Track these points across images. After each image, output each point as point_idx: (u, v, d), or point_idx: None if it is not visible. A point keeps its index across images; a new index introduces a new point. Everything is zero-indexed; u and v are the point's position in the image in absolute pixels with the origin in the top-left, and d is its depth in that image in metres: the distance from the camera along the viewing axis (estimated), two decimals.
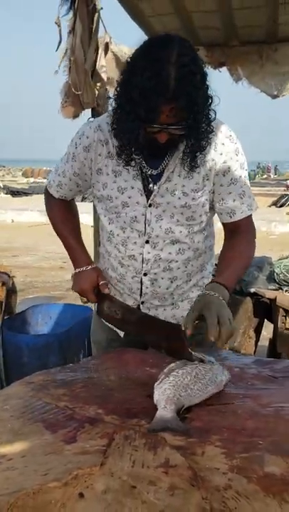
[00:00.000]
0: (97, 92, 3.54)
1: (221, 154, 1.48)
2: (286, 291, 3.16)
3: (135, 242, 1.55)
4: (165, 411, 1.10)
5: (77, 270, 1.66)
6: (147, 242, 1.54)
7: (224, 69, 3.78)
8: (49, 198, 1.74)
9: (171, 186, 1.48)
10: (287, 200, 17.13)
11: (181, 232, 1.53)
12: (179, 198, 1.49)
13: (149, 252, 1.55)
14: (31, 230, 12.41)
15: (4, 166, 47.95)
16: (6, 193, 21.37)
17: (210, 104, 1.35)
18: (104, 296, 1.64)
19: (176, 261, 1.57)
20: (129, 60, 1.36)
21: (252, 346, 3.29)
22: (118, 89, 1.38)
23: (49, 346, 3.11)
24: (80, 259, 1.67)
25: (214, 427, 1.06)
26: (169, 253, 1.55)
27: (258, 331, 3.34)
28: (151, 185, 1.49)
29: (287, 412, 1.13)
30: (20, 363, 3.09)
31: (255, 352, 3.38)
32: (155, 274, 1.57)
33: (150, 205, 1.50)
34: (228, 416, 1.12)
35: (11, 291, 3.75)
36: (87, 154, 1.53)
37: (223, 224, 1.60)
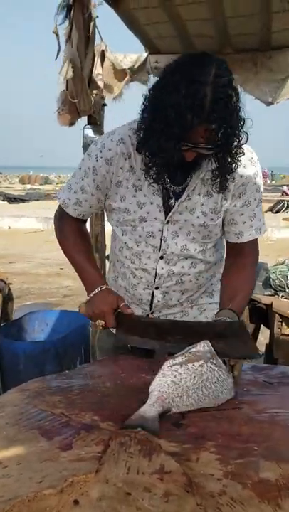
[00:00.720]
0: (93, 99, 3.56)
1: (242, 177, 1.47)
2: (282, 296, 3.17)
3: (149, 257, 1.55)
4: (150, 408, 1.12)
5: (93, 293, 1.55)
6: (161, 257, 1.54)
7: None
8: (62, 219, 1.65)
9: (190, 204, 1.49)
10: (284, 206, 17.19)
11: (195, 249, 1.55)
12: (198, 217, 1.50)
13: (162, 268, 1.55)
14: (28, 237, 12.41)
15: (1, 173, 48.02)
16: (3, 200, 21.37)
17: (242, 126, 1.34)
18: (124, 318, 1.51)
19: (189, 274, 1.58)
20: (161, 75, 1.33)
21: None
22: (147, 104, 1.35)
23: (45, 353, 3.11)
24: (94, 280, 1.57)
25: (209, 433, 1.06)
26: (182, 267, 1.56)
27: (254, 336, 3.35)
28: (171, 202, 1.48)
29: (282, 417, 1.14)
30: (16, 370, 3.09)
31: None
32: (167, 287, 1.58)
33: (168, 222, 1.50)
34: (224, 422, 1.12)
35: (8, 298, 3.76)
36: (110, 168, 1.49)
37: (228, 243, 1.62)
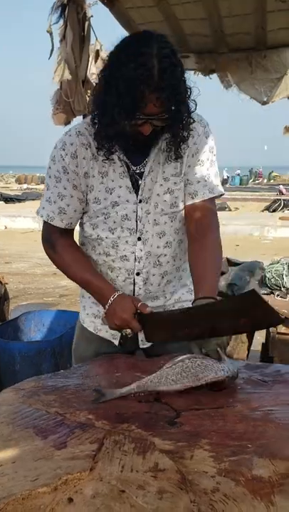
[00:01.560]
0: (88, 99, 3.56)
1: (193, 137, 1.51)
2: (278, 295, 3.18)
3: (127, 241, 1.55)
4: (125, 388, 1.25)
5: (108, 304, 1.50)
6: (139, 239, 1.54)
7: (214, 76, 3.82)
8: (52, 239, 1.59)
9: (154, 175, 1.51)
10: (280, 205, 17.22)
11: (165, 222, 1.55)
12: (161, 185, 1.52)
13: (141, 250, 1.55)
14: (24, 237, 12.40)
15: None
16: None
17: (190, 96, 1.40)
18: (146, 318, 1.47)
19: (165, 254, 1.58)
20: (109, 56, 1.40)
21: (244, 351, 3.31)
22: (99, 85, 1.41)
23: (42, 353, 3.10)
24: (105, 291, 1.52)
25: (203, 431, 1.07)
26: (158, 247, 1.57)
27: (250, 335, 3.36)
28: (140, 182, 1.51)
29: (276, 415, 1.14)
30: (12, 370, 3.08)
31: (247, 356, 3.40)
32: (147, 272, 1.58)
33: (140, 201, 1.52)
34: (218, 420, 1.13)
35: (3, 298, 3.75)
36: (76, 161, 1.50)
37: (185, 208, 1.57)
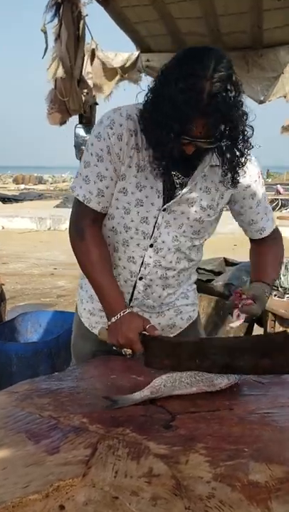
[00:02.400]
0: (83, 98, 3.54)
1: (244, 177, 1.48)
2: (275, 295, 3.16)
3: (138, 244, 1.51)
4: (138, 394, 1.21)
5: (115, 318, 1.42)
6: (151, 246, 1.51)
7: None
8: (83, 228, 1.48)
9: (190, 198, 1.47)
10: (278, 205, 17.21)
11: (185, 242, 1.54)
12: (196, 211, 1.49)
13: (150, 257, 1.52)
14: (22, 237, 12.35)
15: None
16: None
17: (246, 120, 1.33)
18: (151, 341, 1.37)
19: (174, 269, 1.56)
20: (163, 68, 1.32)
21: None
22: (149, 96, 1.35)
23: (38, 354, 3.08)
24: (117, 303, 1.44)
25: (199, 435, 1.05)
26: (170, 261, 1.54)
27: (248, 334, 3.34)
28: (176, 191, 1.46)
29: (272, 418, 1.13)
30: (9, 372, 3.06)
31: None
32: (151, 280, 1.55)
33: (164, 210, 1.47)
34: (214, 423, 1.11)
35: (0, 299, 3.73)
36: (121, 144, 1.40)
37: (253, 240, 1.69)
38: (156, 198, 1.46)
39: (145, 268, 1.53)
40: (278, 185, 24.89)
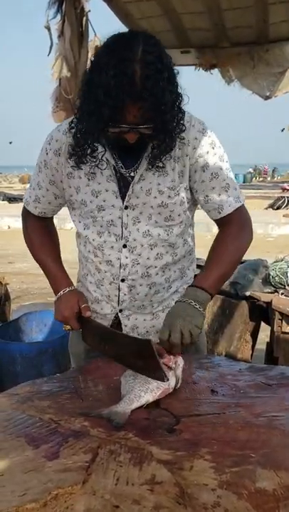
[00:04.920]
0: None
1: (195, 149, 1.43)
2: (282, 294, 3.12)
3: (112, 247, 1.49)
4: (123, 404, 1.16)
5: (57, 296, 1.55)
6: (125, 246, 1.48)
7: (216, 71, 3.76)
8: (26, 218, 1.65)
9: (145, 185, 1.44)
10: (284, 202, 17.12)
11: (159, 234, 1.48)
12: (155, 197, 1.44)
13: (126, 257, 1.49)
14: None
15: (1, 173, 47.99)
16: (3, 200, 21.33)
17: (179, 103, 1.30)
18: (86, 321, 1.50)
19: (155, 266, 1.51)
20: (93, 58, 1.30)
21: (248, 351, 3.25)
22: (81, 87, 1.32)
23: (43, 354, 3.06)
24: (60, 283, 1.56)
25: (204, 439, 1.01)
26: (148, 258, 1.50)
27: (254, 335, 3.30)
28: (128, 187, 1.44)
29: (280, 421, 1.09)
30: (13, 372, 3.04)
31: (252, 356, 3.34)
32: (133, 280, 1.51)
33: (126, 208, 1.45)
34: (219, 427, 1.07)
35: (4, 299, 3.71)
36: (59, 159, 1.46)
37: (215, 221, 1.54)
38: (114, 199, 1.45)
39: (124, 269, 1.51)
40: (284, 184, 24.78)
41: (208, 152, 1.44)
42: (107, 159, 1.41)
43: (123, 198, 1.44)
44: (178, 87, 1.29)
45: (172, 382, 1.24)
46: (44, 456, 0.95)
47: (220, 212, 1.49)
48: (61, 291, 1.54)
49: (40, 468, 0.90)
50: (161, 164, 1.39)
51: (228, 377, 1.34)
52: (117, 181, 1.44)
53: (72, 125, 1.37)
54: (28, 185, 1.66)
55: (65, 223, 12.80)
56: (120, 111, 1.22)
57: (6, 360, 3.09)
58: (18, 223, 13.13)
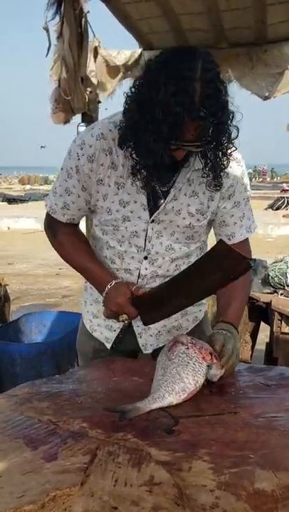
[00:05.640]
0: (87, 96, 3.51)
1: (229, 177, 1.43)
2: (281, 294, 3.12)
3: (133, 257, 1.49)
4: (148, 402, 1.16)
5: (104, 292, 1.47)
6: (146, 258, 1.48)
7: None
8: (54, 226, 1.55)
9: (176, 205, 1.43)
10: (284, 203, 17.13)
11: (180, 249, 1.49)
12: (184, 218, 1.44)
13: (146, 268, 1.49)
14: (27, 237, 12.37)
15: (1, 174, 48.03)
16: (3, 201, 21.35)
17: (232, 120, 1.27)
18: (141, 301, 1.43)
19: (172, 276, 1.51)
20: (146, 72, 1.25)
21: (248, 351, 3.25)
22: (130, 103, 1.28)
23: (42, 355, 3.06)
24: (104, 279, 1.49)
25: (203, 440, 1.01)
26: (167, 270, 1.51)
27: (253, 335, 3.30)
28: (160, 201, 1.42)
29: (279, 422, 1.08)
30: (13, 373, 3.04)
31: (251, 356, 3.34)
32: (150, 289, 1.51)
33: (152, 221, 1.44)
34: (218, 428, 1.07)
35: (4, 300, 3.71)
36: (92, 165, 1.40)
37: None
38: (142, 211, 1.43)
39: (142, 279, 1.51)
40: (284, 184, 24.78)
41: (238, 182, 1.46)
42: (141, 173, 1.36)
43: (150, 211, 1.43)
44: (230, 105, 1.26)
45: (200, 381, 1.23)
46: (42, 457, 0.95)
47: (230, 239, 1.52)
48: (108, 285, 1.46)
49: (38, 469, 0.90)
50: (219, 182, 1.38)
51: (227, 378, 1.34)
52: (146, 194, 1.41)
53: (131, 144, 1.31)
54: (45, 189, 1.57)
55: None
56: (180, 129, 1.19)
57: (5, 361, 3.09)
58: (17, 224, 13.15)
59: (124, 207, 1.43)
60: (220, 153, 1.30)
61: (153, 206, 1.43)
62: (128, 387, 1.30)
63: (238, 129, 1.30)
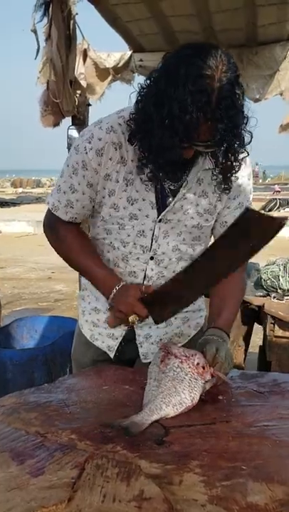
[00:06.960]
0: (76, 99, 3.48)
1: (237, 178, 1.40)
2: (274, 297, 3.10)
3: (138, 258, 1.45)
4: (145, 415, 1.11)
5: (112, 294, 1.42)
6: (152, 258, 1.45)
7: None
8: (55, 225, 1.49)
9: (185, 204, 1.40)
10: (276, 204, 17.17)
11: (186, 250, 1.47)
12: (192, 218, 1.42)
13: (152, 269, 1.46)
14: (19, 241, 12.31)
15: None
16: None
17: (246, 125, 1.25)
18: (152, 299, 1.40)
19: None
20: (165, 66, 1.21)
21: (241, 355, 3.23)
22: (144, 95, 1.24)
23: (34, 361, 3.02)
24: (111, 281, 1.44)
25: (194, 451, 0.99)
26: (173, 271, 1.47)
27: (246, 339, 3.28)
28: (168, 200, 1.39)
29: (272, 431, 1.06)
30: (4, 379, 3.00)
31: (245, 360, 3.32)
32: None
33: (160, 220, 1.41)
34: (210, 437, 1.04)
35: None
36: (101, 159, 1.34)
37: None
38: (150, 209, 1.39)
39: (148, 281, 1.47)
40: (276, 185, 24.88)
41: (244, 183, 1.44)
42: (152, 171, 1.33)
43: (158, 210, 1.40)
44: (244, 109, 1.23)
45: (196, 397, 1.20)
46: (28, 472, 0.92)
47: None
48: (115, 287, 1.42)
49: (23, 485, 0.87)
50: (228, 185, 1.37)
51: (219, 385, 1.31)
52: (155, 192, 1.38)
53: (137, 137, 1.28)
54: (51, 189, 1.52)
55: None
56: (194, 128, 1.16)
57: None
58: (9, 228, 13.09)
59: (132, 204, 1.39)
60: (232, 157, 1.28)
61: (161, 205, 1.39)
62: (119, 396, 1.27)
63: (251, 135, 1.27)
